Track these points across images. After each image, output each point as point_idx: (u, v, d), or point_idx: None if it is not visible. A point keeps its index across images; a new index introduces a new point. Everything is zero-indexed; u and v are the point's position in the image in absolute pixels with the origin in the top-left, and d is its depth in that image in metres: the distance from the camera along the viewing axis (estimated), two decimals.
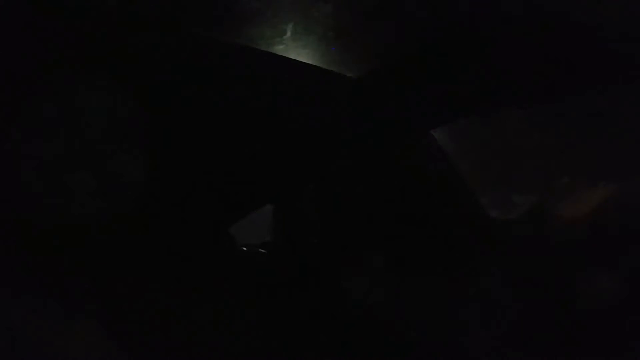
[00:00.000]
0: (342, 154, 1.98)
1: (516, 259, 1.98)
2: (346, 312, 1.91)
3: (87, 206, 1.20)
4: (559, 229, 1.97)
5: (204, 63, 1.62)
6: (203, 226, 1.64)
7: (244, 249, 1.94)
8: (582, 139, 2.14)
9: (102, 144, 1.21)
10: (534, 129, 2.25)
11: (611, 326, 1.82)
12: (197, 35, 1.62)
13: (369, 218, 2.08)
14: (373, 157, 2.06)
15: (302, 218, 2.06)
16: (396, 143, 2.07)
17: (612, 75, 1.95)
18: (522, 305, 1.89)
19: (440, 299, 1.91)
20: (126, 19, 1.42)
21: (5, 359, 1.22)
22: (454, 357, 1.88)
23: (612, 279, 1.82)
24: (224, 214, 1.75)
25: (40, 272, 1.24)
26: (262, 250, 2.00)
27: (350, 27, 2.06)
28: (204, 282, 1.47)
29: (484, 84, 2.05)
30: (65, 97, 1.20)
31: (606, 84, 2.01)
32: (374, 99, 2.04)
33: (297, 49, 1.96)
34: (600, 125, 2.12)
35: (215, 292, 1.47)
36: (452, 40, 1.96)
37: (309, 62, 1.99)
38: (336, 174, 2.04)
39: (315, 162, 1.94)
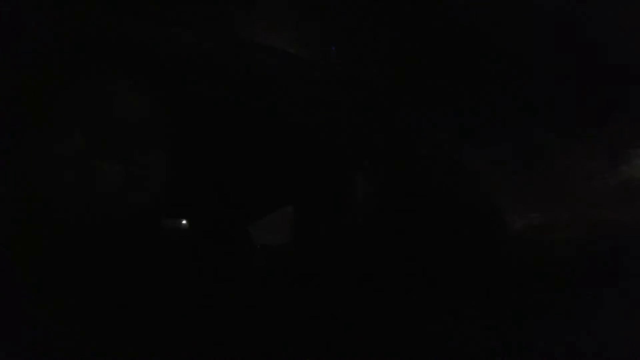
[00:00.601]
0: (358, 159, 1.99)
1: None
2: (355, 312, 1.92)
3: (112, 202, 1.20)
4: None
5: (227, 66, 1.64)
6: (221, 224, 1.64)
7: (260, 248, 1.94)
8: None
9: (128, 142, 1.21)
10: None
11: None
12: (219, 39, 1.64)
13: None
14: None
15: (322, 220, 2.06)
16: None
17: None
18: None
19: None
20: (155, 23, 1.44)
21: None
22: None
23: None
24: (242, 213, 1.76)
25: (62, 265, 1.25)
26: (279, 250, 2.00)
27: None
28: (219, 278, 1.47)
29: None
30: (92, 96, 1.21)
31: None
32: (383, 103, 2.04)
33: None
34: None
35: (230, 289, 1.48)
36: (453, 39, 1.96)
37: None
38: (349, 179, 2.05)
39: (331, 165, 1.95)
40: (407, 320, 1.93)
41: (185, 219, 1.44)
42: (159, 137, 1.28)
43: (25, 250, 1.26)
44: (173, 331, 1.35)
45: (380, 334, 1.89)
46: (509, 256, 2.02)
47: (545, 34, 1.94)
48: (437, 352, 1.90)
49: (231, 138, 1.66)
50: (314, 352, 1.76)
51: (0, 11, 1.25)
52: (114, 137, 1.22)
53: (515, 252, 2.00)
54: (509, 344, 1.91)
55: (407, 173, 2.04)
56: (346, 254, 1.97)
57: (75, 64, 1.34)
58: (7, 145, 1.25)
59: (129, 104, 1.25)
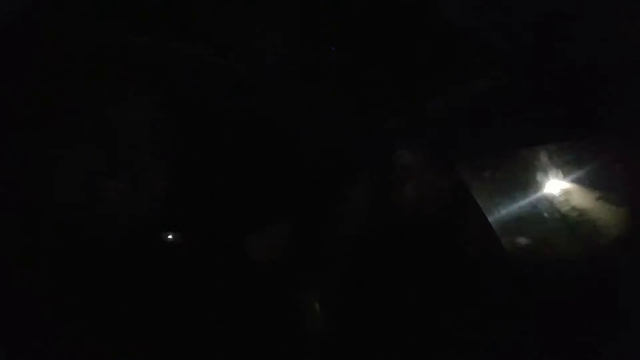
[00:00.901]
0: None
1: None
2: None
3: (118, 213, 1.22)
4: None
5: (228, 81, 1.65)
6: (221, 237, 1.66)
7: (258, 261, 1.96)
8: None
9: (132, 154, 1.23)
10: None
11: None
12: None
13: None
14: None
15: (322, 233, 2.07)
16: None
17: None
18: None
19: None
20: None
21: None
22: None
23: None
24: (242, 226, 1.77)
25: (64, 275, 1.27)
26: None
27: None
28: (216, 289, 1.49)
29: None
30: (98, 108, 1.23)
31: None
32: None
33: None
34: None
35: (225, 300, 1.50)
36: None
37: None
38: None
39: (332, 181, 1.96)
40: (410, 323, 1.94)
41: (183, 230, 1.46)
42: (164, 149, 1.29)
43: (25, 254, 1.29)
44: (170, 337, 1.37)
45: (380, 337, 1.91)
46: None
47: None
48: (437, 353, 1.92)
49: (237, 151, 1.67)
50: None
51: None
52: (120, 149, 1.24)
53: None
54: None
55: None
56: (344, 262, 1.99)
57: (86, 75, 1.35)
58: (10, 150, 1.27)
59: (134, 115, 1.27)
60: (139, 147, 1.27)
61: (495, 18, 1.94)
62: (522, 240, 2.03)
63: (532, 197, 2.07)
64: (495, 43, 1.97)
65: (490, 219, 2.05)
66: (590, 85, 1.91)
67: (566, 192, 2.07)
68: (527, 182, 2.10)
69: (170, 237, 1.38)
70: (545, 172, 2.08)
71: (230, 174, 1.65)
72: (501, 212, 2.06)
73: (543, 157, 2.09)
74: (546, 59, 1.94)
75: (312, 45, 1.99)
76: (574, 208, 2.05)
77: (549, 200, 2.07)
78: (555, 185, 2.09)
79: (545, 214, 2.07)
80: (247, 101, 1.73)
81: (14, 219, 1.24)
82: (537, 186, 2.09)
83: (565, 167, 2.08)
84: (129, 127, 1.26)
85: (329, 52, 2.19)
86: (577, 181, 2.05)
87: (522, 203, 2.07)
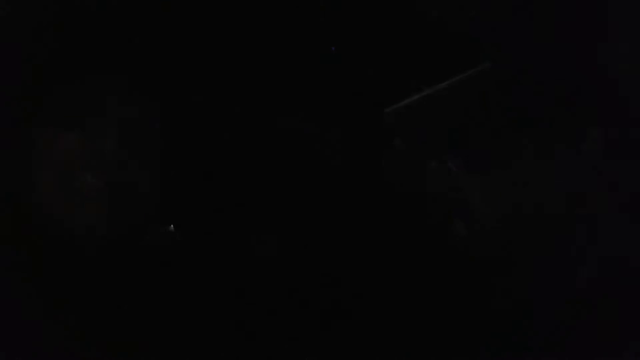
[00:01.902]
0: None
1: None
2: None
3: (97, 211, 1.21)
4: None
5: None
6: (213, 234, 1.65)
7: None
8: None
9: (117, 150, 1.22)
10: None
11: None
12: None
13: None
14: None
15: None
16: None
17: None
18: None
19: None
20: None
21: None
22: None
23: None
24: (236, 222, 1.76)
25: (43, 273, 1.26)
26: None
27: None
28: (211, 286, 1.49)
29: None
30: (84, 102, 1.23)
31: None
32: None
33: None
34: None
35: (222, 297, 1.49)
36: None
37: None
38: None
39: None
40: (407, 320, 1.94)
41: (179, 225, 1.46)
42: (151, 146, 1.29)
43: (23, 252, 1.28)
44: (168, 336, 1.37)
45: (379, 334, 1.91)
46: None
47: None
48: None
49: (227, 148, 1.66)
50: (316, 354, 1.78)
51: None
52: (104, 145, 1.23)
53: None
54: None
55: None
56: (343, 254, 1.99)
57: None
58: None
59: (122, 110, 1.26)
60: (136, 146, 1.26)
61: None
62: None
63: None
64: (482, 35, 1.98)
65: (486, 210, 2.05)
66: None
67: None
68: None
69: (167, 230, 1.37)
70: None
71: (226, 172, 1.65)
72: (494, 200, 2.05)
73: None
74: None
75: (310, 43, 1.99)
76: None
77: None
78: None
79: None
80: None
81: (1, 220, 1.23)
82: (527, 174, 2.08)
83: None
84: (127, 126, 1.25)
85: (329, 52, 2.19)
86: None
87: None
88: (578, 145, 2.00)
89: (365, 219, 2.05)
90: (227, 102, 1.71)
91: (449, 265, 2.00)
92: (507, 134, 2.03)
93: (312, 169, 1.96)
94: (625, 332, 1.87)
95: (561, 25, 1.98)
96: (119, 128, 1.23)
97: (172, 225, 1.37)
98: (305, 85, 1.98)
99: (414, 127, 2.10)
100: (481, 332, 1.93)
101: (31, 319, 1.20)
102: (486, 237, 2.02)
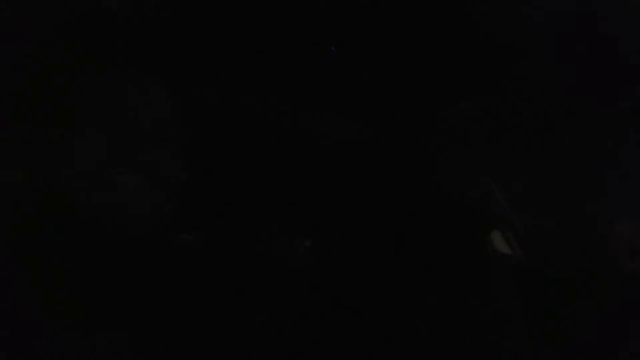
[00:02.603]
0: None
1: None
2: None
3: (130, 206, 1.19)
4: None
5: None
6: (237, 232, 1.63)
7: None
8: None
9: (147, 144, 1.20)
10: None
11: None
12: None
13: None
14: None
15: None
16: None
17: None
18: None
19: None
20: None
21: None
22: None
23: None
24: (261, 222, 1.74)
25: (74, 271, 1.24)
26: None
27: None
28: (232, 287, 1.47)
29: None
30: (110, 96, 1.20)
31: None
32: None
33: None
34: None
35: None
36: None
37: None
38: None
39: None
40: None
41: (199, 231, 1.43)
42: (180, 139, 1.26)
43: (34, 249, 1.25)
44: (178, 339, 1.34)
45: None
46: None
47: None
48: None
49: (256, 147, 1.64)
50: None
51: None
52: (133, 139, 1.20)
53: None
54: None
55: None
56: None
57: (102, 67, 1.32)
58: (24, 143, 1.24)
59: (149, 103, 1.24)
60: (156, 142, 1.24)
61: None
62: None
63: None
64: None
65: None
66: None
67: None
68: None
69: (185, 236, 1.35)
70: None
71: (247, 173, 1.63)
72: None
73: None
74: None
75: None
76: None
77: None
78: None
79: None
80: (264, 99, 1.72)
81: (24, 216, 1.20)
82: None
83: None
84: (145, 121, 1.23)
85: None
86: None
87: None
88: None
89: (401, 225, 2.03)
90: (262, 104, 1.70)
91: (486, 285, 1.98)
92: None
93: (351, 174, 1.94)
94: None
95: None
96: (147, 123, 1.21)
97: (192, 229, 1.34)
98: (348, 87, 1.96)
99: (462, 133, 2.08)
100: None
101: (48, 318, 1.17)
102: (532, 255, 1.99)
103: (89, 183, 1.21)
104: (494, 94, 2.04)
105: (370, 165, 2.05)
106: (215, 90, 1.50)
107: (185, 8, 1.50)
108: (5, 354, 1.24)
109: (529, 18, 1.87)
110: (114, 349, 1.24)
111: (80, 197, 1.20)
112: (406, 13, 1.89)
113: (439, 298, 1.93)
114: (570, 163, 1.99)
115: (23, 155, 1.22)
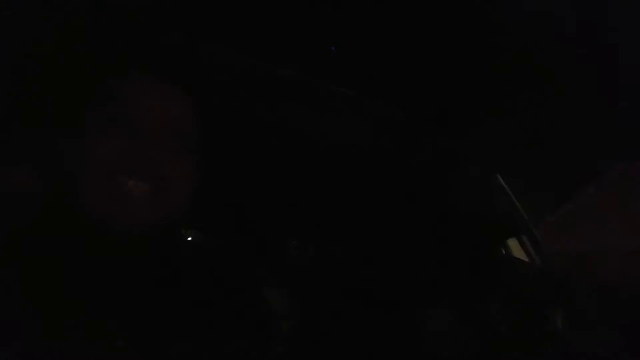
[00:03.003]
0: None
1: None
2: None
3: (140, 212, 1.17)
4: None
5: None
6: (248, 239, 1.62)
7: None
8: None
9: (156, 150, 1.18)
10: None
11: None
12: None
13: None
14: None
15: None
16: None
17: None
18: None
19: None
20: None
21: None
22: None
23: None
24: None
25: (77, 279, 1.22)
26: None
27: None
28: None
29: None
30: (120, 101, 1.19)
31: None
32: None
33: None
34: None
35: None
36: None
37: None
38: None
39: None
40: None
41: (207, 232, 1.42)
42: (190, 145, 1.25)
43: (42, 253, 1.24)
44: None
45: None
46: None
47: None
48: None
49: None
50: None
51: None
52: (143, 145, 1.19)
53: None
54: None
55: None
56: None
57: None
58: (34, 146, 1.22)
59: (160, 110, 1.22)
60: (163, 146, 1.22)
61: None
62: None
63: None
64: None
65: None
66: None
67: None
68: None
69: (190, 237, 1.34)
70: None
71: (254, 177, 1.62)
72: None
73: None
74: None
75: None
76: None
77: None
78: None
79: None
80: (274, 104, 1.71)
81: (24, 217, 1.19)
82: None
83: None
84: (154, 125, 1.21)
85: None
86: None
87: None
88: None
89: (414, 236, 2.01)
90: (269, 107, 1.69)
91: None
92: None
93: (358, 181, 1.92)
94: None
95: None
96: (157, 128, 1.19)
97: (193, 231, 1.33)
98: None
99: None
100: None
101: (54, 319, 1.16)
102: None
103: (89, 183, 1.20)
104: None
105: (377, 174, 2.03)
106: (218, 92, 1.50)
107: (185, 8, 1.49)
108: (5, 353, 1.23)
109: None
110: (114, 349, 1.23)
111: (81, 198, 1.19)
112: None
113: (449, 304, 1.93)
114: None
115: (23, 155, 1.21)
